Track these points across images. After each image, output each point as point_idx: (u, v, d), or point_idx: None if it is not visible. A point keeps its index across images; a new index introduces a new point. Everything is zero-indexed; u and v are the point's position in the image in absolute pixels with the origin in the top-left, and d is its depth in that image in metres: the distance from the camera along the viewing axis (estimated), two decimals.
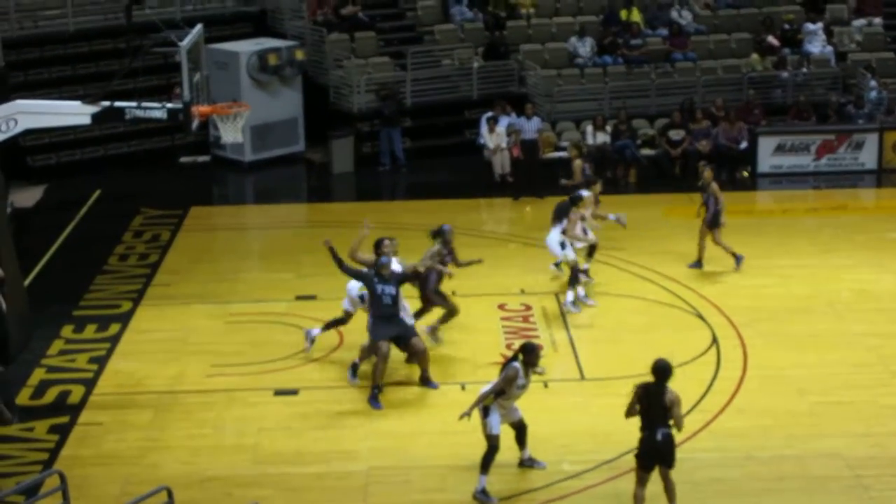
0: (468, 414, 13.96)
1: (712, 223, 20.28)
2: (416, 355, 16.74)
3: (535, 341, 17.74)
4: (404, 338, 16.58)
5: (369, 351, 16.52)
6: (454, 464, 14.80)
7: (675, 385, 16.12)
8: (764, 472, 14.52)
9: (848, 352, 17.62)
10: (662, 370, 13.20)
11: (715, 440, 15.21)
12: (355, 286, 17.12)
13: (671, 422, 13.20)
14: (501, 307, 19.23)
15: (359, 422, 15.93)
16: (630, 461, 14.22)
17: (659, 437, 13.13)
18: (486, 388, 14.17)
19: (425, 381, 16.80)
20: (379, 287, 16.29)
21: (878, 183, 26.35)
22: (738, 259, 20.50)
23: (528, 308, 19.26)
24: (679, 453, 14.67)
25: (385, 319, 16.37)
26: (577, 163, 21.98)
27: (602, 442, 15.07)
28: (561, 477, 14.48)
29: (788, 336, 18.12)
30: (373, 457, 15.07)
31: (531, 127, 25.75)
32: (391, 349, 16.43)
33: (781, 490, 14.23)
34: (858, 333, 18.24)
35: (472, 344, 17.99)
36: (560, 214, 19.31)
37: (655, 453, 13.19)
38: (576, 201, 19.26)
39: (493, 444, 14.03)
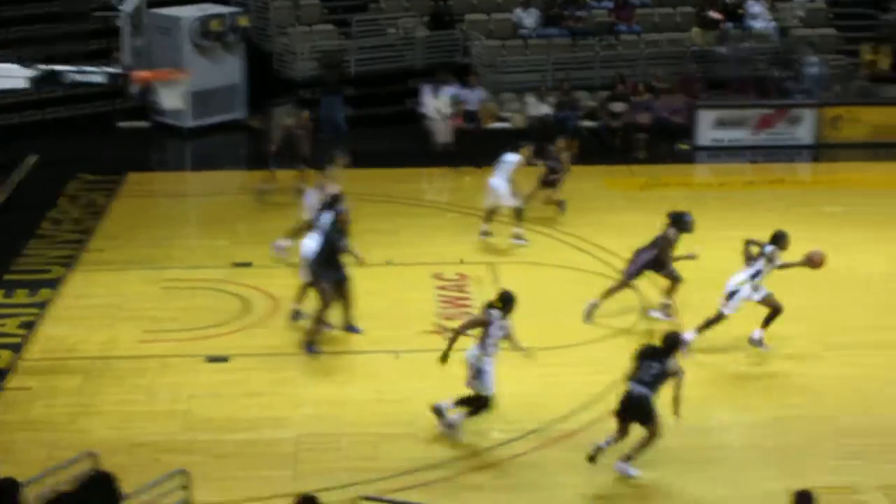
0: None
1: (547, 182, 21.45)
2: (348, 300, 17.08)
3: (469, 310, 18.01)
4: (340, 282, 16.85)
5: (325, 299, 16.76)
6: (386, 431, 14.86)
7: (607, 356, 16.48)
8: (701, 442, 14.63)
9: (781, 324, 17.64)
10: (668, 340, 13.96)
11: None
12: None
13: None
14: (437, 276, 19.25)
15: (289, 389, 15.93)
16: (559, 429, 14.78)
17: (634, 392, 13.63)
18: (473, 350, 14.49)
19: (350, 328, 17.14)
20: (343, 242, 16.83)
21: (815, 158, 26.60)
22: (560, 205, 21.53)
23: (464, 277, 19.30)
24: (607, 425, 14.89)
25: (336, 266, 16.72)
26: None
27: (532, 411, 15.14)
28: (489, 445, 14.56)
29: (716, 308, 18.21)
30: (303, 424, 15.07)
31: (474, 97, 25.73)
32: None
33: (721, 459, 14.41)
34: (793, 306, 18.25)
35: (407, 312, 18.02)
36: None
37: (627, 406, 13.74)
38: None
39: (485, 402, 14.37)
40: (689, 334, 16.64)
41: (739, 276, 16.82)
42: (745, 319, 16.96)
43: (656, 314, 17.85)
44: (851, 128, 26.77)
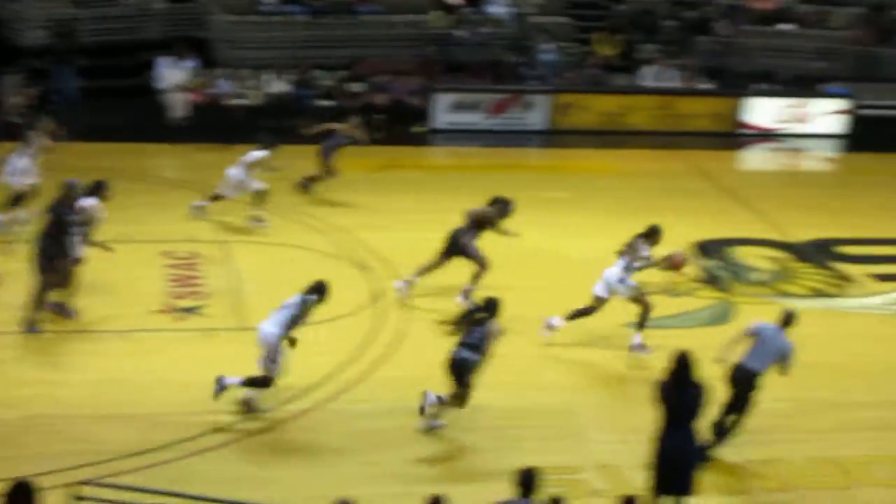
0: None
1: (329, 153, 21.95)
2: (71, 279, 16.70)
3: (200, 289, 17.90)
4: (65, 259, 16.45)
5: (50, 277, 16.32)
6: (110, 413, 14.61)
7: (337, 335, 16.65)
8: (415, 423, 14.85)
9: (504, 303, 18.10)
10: (489, 304, 14.63)
11: (370, 391, 15.46)
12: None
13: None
14: (168, 254, 19.02)
15: (9, 369, 15.49)
16: (290, 410, 14.85)
17: (457, 355, 14.27)
18: (274, 330, 14.38)
19: (63, 309, 16.78)
20: (71, 217, 16.49)
21: (546, 143, 27.31)
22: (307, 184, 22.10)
23: (195, 255, 19.14)
24: (336, 405, 15.14)
25: (63, 242, 16.31)
26: None
27: (263, 391, 15.08)
28: (218, 426, 14.45)
29: (448, 288, 18.48)
30: (24, 405, 14.65)
31: (226, 87, 25.62)
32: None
33: (432, 441, 14.58)
34: (516, 287, 18.68)
35: (135, 291, 17.76)
36: None
37: (449, 368, 14.28)
38: None
39: (268, 382, 14.44)
40: (638, 338, 16.95)
41: (615, 270, 16.89)
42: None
43: (459, 299, 18.00)
44: (581, 115, 27.63)
